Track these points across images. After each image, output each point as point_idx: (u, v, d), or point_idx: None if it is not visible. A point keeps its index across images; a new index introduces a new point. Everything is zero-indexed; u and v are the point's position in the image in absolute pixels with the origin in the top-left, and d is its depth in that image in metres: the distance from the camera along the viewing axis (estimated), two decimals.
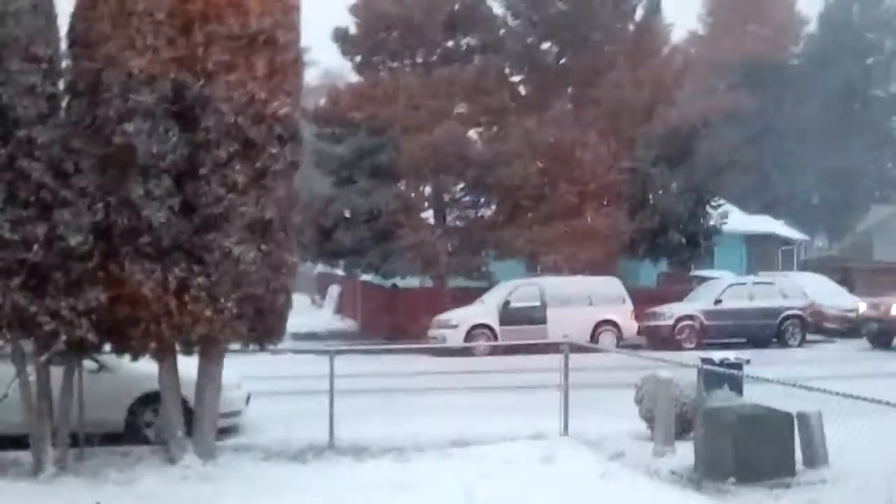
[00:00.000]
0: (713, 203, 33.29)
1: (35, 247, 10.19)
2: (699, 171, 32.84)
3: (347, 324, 35.98)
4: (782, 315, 28.12)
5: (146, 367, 12.05)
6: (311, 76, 30.31)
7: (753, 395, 12.25)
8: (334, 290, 42.42)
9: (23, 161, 10.24)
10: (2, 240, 10.10)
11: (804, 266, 42.61)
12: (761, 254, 43.88)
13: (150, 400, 12.94)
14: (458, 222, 32.41)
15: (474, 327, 26.66)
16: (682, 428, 12.13)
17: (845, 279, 34.09)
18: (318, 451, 12.38)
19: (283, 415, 14.58)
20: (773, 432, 10.71)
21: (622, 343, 26.53)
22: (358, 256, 31.08)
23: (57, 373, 11.26)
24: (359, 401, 14.37)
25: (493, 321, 26.81)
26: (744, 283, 29.77)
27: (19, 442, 11.17)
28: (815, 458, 10.96)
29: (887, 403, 8.39)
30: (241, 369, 14.04)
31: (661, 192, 31.71)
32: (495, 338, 26.07)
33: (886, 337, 26.64)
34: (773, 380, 11.09)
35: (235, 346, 11.94)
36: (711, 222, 33.18)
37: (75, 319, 10.42)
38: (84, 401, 11.78)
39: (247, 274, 11.02)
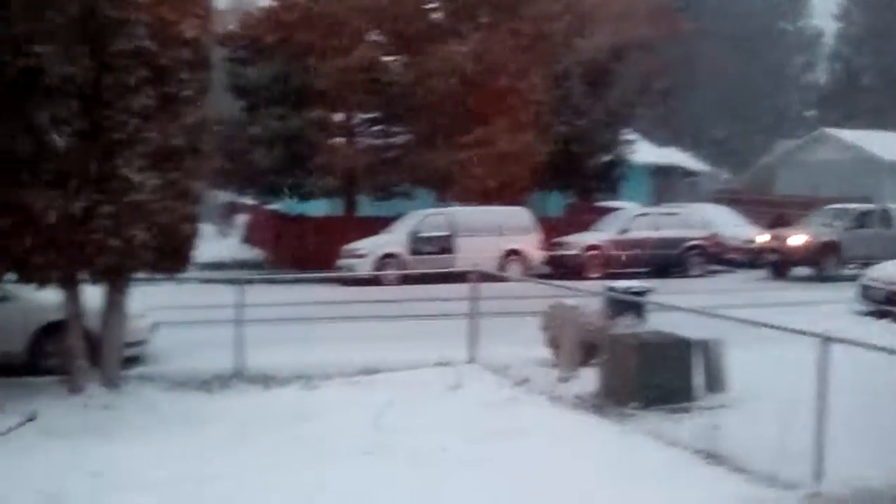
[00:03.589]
0: (623, 134, 33.59)
1: None
2: (611, 102, 33.06)
3: (255, 253, 35.72)
4: (685, 245, 28.69)
5: (49, 297, 11.86)
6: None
7: (656, 322, 12.52)
8: (241, 219, 42.02)
9: None
10: None
11: (708, 198, 43.33)
12: (666, 185, 44.51)
13: (53, 330, 12.75)
14: (373, 144, 32.05)
15: (383, 256, 26.69)
16: (587, 355, 12.35)
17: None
18: (225, 380, 12.36)
19: (189, 344, 14.52)
20: (674, 358, 10.96)
21: (529, 272, 26.78)
22: (272, 181, 30.74)
23: None
24: (267, 330, 14.32)
25: (403, 250, 26.87)
26: (649, 214, 30.26)
27: None
28: (715, 383, 11.26)
29: (784, 330, 8.64)
30: (146, 298, 13.88)
31: (574, 120, 31.87)
32: (404, 267, 26.12)
33: (784, 267, 27.38)
34: (675, 307, 11.31)
35: (141, 275, 11.81)
36: (619, 153, 33.49)
37: None
38: None
39: (150, 202, 10.85)
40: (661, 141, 47.75)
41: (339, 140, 31.36)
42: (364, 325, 17.04)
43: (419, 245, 26.87)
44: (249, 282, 14.29)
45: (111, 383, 11.45)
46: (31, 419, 2.69)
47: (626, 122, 34.55)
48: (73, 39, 10.50)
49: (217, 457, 8.83)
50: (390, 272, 25.65)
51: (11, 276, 11.28)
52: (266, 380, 12.33)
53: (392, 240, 27.36)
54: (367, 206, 32.10)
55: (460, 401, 11.11)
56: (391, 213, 29.57)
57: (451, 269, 20.86)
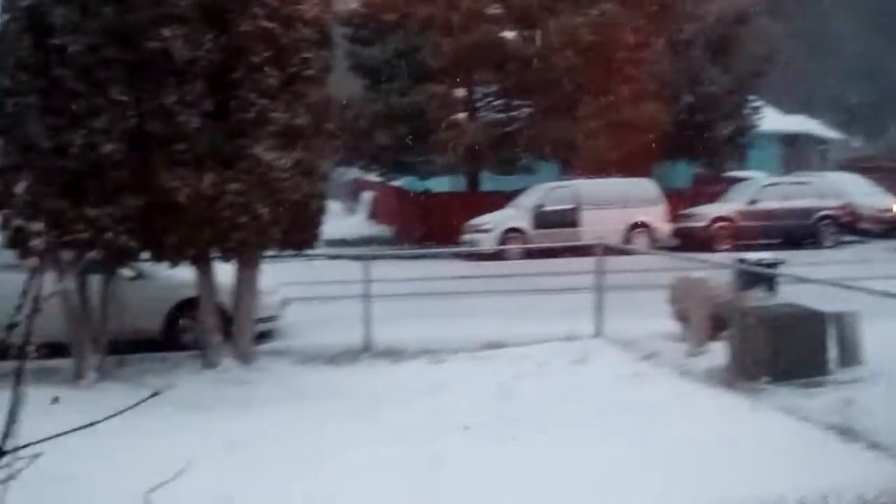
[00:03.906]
0: (750, 101, 32.87)
1: (70, 155, 10.25)
2: (738, 69, 32.37)
3: (381, 229, 36.09)
4: (817, 215, 27.95)
5: (183, 274, 12.21)
6: None
7: (788, 295, 12.24)
8: (367, 196, 42.46)
9: (57, 70, 10.25)
10: (38, 148, 10.16)
11: (840, 166, 42.09)
12: (797, 154, 43.43)
13: (187, 306, 13.13)
14: (495, 118, 31.97)
15: (508, 231, 26.69)
16: (716, 329, 12.14)
17: None
18: (354, 355, 12.55)
19: (319, 319, 14.78)
20: (807, 331, 10.70)
21: (656, 245, 26.48)
22: (394, 157, 30.96)
23: (94, 281, 11.43)
24: (394, 305, 14.48)
25: (527, 225, 26.82)
26: (779, 184, 29.52)
27: (59, 350, 11.29)
28: (850, 357, 10.95)
29: None
30: (277, 275, 14.16)
31: (700, 88, 31.31)
32: (528, 241, 26.05)
33: None
34: (807, 279, 11.05)
35: (271, 251, 12.06)
36: (746, 121, 32.80)
37: (112, 227, 10.50)
38: (122, 308, 11.94)
39: (279, 180, 11.04)
40: (790, 108, 46.52)
41: (460, 115, 31.40)
42: (489, 300, 17.08)
43: (543, 219, 26.77)
44: (376, 258, 14.47)
45: (244, 358, 11.73)
46: (156, 393, 2.78)
47: (753, 89, 33.76)
48: (197, 22, 10.74)
49: (347, 430, 8.97)
50: (514, 246, 25.60)
51: (145, 254, 11.62)
52: (393, 354, 12.47)
53: (516, 214, 27.32)
54: (489, 181, 32.09)
55: (587, 375, 11.05)
56: (514, 188, 29.51)
57: (575, 243, 20.73)
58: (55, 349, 10.74)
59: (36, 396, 2.03)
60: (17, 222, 10.18)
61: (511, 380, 10.75)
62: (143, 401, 2.00)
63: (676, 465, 7.64)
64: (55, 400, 1.75)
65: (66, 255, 10.82)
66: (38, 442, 1.73)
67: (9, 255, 10.40)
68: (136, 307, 12.56)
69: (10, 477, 1.74)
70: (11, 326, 1.68)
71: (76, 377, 11.09)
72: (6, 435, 1.65)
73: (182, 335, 13.43)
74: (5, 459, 1.68)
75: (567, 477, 7.42)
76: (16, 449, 1.70)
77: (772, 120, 37.91)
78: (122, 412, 1.96)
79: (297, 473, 7.64)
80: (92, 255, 10.66)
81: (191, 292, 12.35)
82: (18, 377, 1.64)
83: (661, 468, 7.58)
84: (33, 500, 5.04)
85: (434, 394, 10.32)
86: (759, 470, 7.51)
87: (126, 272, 12.13)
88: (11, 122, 10.37)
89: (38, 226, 10.05)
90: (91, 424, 1.88)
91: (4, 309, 2.15)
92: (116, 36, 10.63)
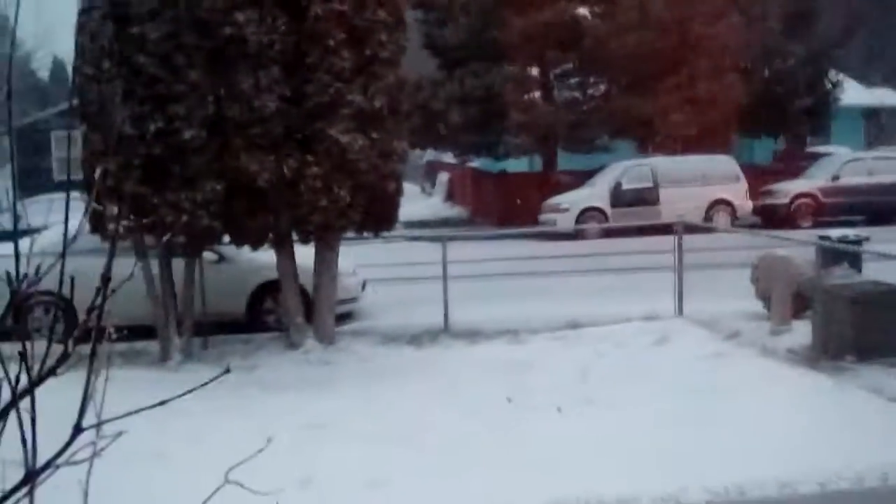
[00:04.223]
0: (830, 74, 32.25)
1: (152, 140, 10.43)
2: (818, 41, 31.75)
3: (457, 211, 36.10)
4: None
5: (264, 257, 12.36)
6: None
7: (873, 272, 12.01)
8: (443, 178, 42.47)
9: (137, 57, 10.42)
10: (122, 135, 10.34)
11: None
12: (881, 128, 42.44)
13: (269, 289, 13.29)
14: (570, 97, 31.73)
15: (585, 210, 26.46)
16: (800, 307, 11.96)
17: None
18: (434, 335, 12.59)
19: (398, 300, 14.84)
20: (893, 309, 10.49)
21: (737, 223, 26.13)
22: (470, 138, 30.92)
23: (178, 265, 11.63)
24: (472, 286, 14.49)
25: (605, 204, 26.58)
26: (863, 159, 28.86)
27: (145, 333, 11.51)
28: None
29: None
30: (356, 257, 14.26)
31: (777, 62, 30.79)
32: (606, 220, 25.84)
33: None
34: (892, 255, 10.82)
35: (350, 233, 12.14)
36: (826, 94, 32.18)
37: (194, 210, 10.66)
38: (206, 291, 12.12)
39: (356, 162, 11.10)
40: (873, 81, 45.45)
41: (535, 95, 31.21)
42: (568, 280, 16.98)
43: (621, 197, 26.50)
44: (453, 239, 14.48)
45: (326, 339, 11.85)
46: (228, 370, 2.89)
47: (833, 62, 33.07)
48: (271, 6, 10.82)
49: (428, 410, 8.99)
50: (593, 226, 25.38)
51: (226, 237, 11.79)
52: (473, 334, 12.48)
53: (594, 193, 27.09)
54: (565, 160, 31.88)
55: (668, 355, 10.94)
56: (590, 167, 29.28)
57: (654, 222, 20.54)
58: (143, 332, 10.98)
59: (123, 377, 2.08)
60: (96, 206, 10.36)
61: (592, 360, 10.69)
62: (215, 378, 2.04)
63: (761, 446, 7.52)
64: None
65: (149, 239, 11.01)
66: (110, 420, 1.78)
67: (95, 240, 10.60)
68: (220, 290, 12.74)
69: (95, 454, 1.79)
70: (92, 310, 1.73)
71: (162, 359, 11.31)
72: (82, 413, 1.70)
73: (265, 317, 13.60)
74: (87, 436, 1.73)
75: (652, 455, 7.38)
76: (96, 425, 1.75)
77: (854, 93, 37.10)
78: (191, 391, 2.01)
79: (377, 452, 7.69)
80: (175, 238, 10.82)
81: (272, 274, 12.50)
82: (92, 358, 1.70)
83: (748, 448, 7.47)
84: (126, 473, 5.16)
85: (514, 373, 10.30)
86: (847, 451, 7.37)
87: (208, 255, 12.31)
88: (95, 109, 10.58)
89: (114, 209, 10.22)
90: (161, 403, 1.93)
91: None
92: (193, 22, 10.78)
